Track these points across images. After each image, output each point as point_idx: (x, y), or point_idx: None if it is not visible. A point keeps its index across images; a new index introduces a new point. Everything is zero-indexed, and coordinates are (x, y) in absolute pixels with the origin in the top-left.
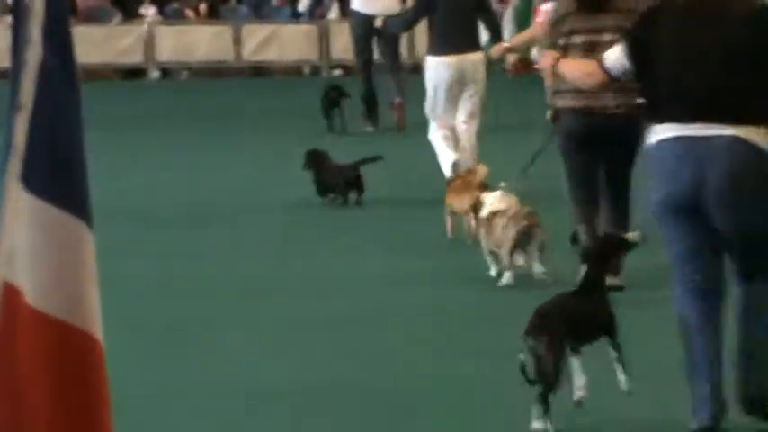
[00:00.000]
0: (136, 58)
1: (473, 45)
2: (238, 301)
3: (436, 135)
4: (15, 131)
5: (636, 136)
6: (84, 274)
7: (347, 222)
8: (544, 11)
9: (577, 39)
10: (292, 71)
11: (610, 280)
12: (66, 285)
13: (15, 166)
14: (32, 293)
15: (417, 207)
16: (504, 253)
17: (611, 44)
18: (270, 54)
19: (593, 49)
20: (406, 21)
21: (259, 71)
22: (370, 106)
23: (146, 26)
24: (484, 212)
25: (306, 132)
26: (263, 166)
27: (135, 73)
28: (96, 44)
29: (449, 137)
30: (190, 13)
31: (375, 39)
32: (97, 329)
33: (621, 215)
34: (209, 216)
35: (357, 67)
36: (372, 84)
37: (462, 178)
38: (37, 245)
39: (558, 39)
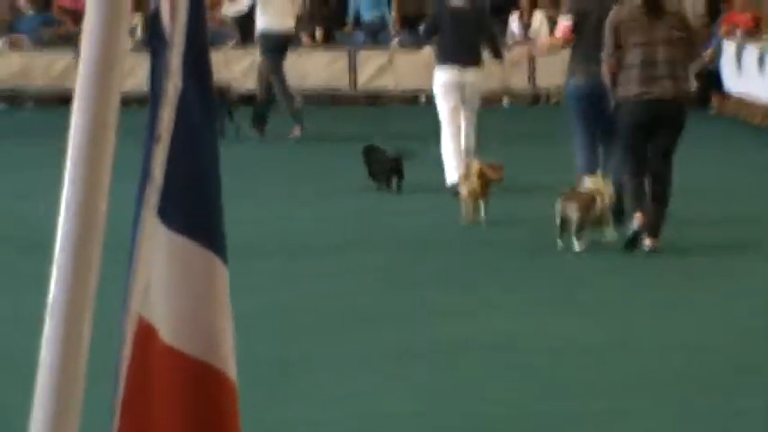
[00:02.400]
0: (249, 83)
1: (474, 60)
2: (342, 332)
3: (447, 146)
4: (153, 162)
5: (683, 121)
6: (219, 310)
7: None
8: (564, 25)
9: (637, 38)
10: (408, 100)
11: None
12: (200, 322)
13: (152, 197)
14: (166, 330)
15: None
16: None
17: (664, 41)
18: (386, 82)
19: (651, 45)
20: (423, 35)
21: (374, 99)
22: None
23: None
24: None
25: (415, 161)
26: (368, 196)
27: (250, 98)
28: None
29: (456, 135)
30: (305, 38)
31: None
32: (231, 367)
33: (665, 188)
34: (315, 246)
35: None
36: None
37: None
38: (172, 279)
39: (619, 39)
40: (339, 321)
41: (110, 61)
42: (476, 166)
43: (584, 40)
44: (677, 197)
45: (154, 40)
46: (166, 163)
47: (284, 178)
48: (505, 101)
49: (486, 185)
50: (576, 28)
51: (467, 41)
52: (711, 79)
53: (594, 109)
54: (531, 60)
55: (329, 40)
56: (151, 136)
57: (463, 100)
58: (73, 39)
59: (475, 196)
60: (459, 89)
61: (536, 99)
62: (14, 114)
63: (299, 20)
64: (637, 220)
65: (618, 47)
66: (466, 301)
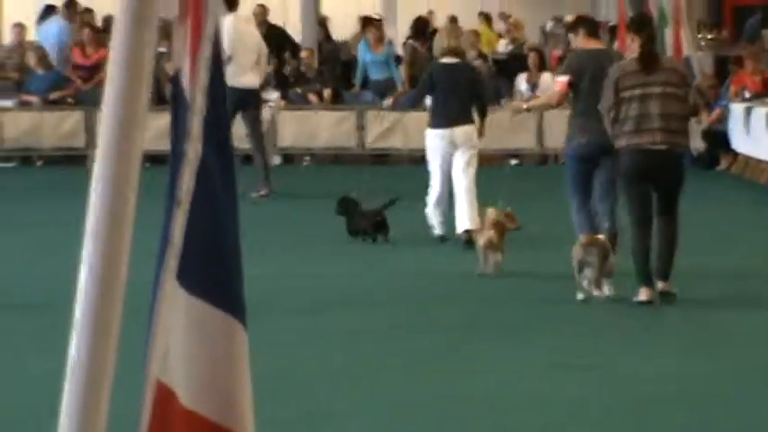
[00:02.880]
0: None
1: (466, 119)
2: (359, 388)
3: (431, 208)
4: (173, 226)
5: (681, 172)
6: (238, 373)
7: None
8: (561, 82)
9: (633, 92)
10: (416, 160)
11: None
12: (219, 386)
13: (172, 261)
14: (185, 393)
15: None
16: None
17: (659, 95)
18: (394, 142)
19: (645, 99)
20: (412, 98)
21: (382, 159)
22: None
23: (268, 111)
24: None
25: (418, 221)
26: (375, 251)
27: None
28: None
29: (442, 199)
30: (313, 98)
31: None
32: (250, 430)
33: (672, 235)
34: (330, 303)
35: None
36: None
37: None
38: (191, 343)
39: (618, 93)
40: (356, 377)
41: (132, 119)
42: (492, 215)
43: (582, 99)
44: (683, 251)
45: (174, 102)
46: (186, 227)
47: (293, 236)
48: (512, 161)
49: (502, 235)
50: (574, 87)
51: (460, 103)
52: (719, 139)
53: (592, 169)
54: (540, 121)
55: (337, 100)
56: (171, 199)
57: (455, 155)
58: (83, 98)
59: (492, 246)
60: (452, 148)
61: (544, 159)
62: (24, 173)
63: (265, 79)
64: (643, 294)
65: (616, 99)
66: (480, 356)
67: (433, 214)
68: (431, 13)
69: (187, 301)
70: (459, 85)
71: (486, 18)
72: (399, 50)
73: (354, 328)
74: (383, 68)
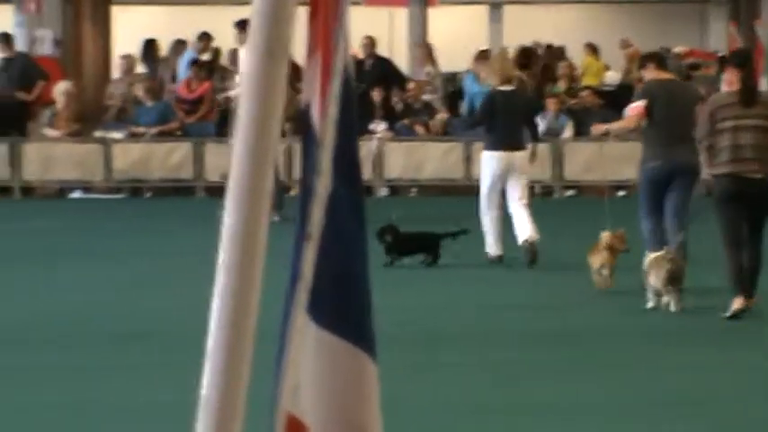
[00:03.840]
0: (364, 174)
1: (519, 144)
2: (465, 425)
3: (486, 217)
4: (303, 261)
5: None
6: (368, 407)
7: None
8: (638, 107)
9: (729, 123)
10: None
11: (745, 303)
12: (350, 419)
13: (302, 295)
14: (317, 427)
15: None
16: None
17: (753, 128)
18: None
19: (740, 130)
20: (471, 122)
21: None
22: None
23: (375, 142)
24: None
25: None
26: (468, 283)
27: (366, 190)
28: None
29: (496, 218)
30: (420, 129)
31: None
32: None
33: (758, 255)
34: (433, 336)
35: None
36: None
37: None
38: (321, 377)
39: (714, 123)
40: (461, 414)
41: (263, 151)
42: (605, 239)
43: (655, 125)
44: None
45: (304, 136)
46: (316, 261)
47: (397, 268)
48: (619, 192)
49: (614, 256)
50: (648, 112)
51: (516, 128)
52: None
53: (664, 190)
54: None
55: (445, 131)
56: (301, 234)
57: (512, 173)
58: (191, 130)
59: (606, 267)
60: (507, 172)
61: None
62: (134, 204)
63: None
64: (737, 303)
65: (712, 130)
66: (588, 393)
67: (489, 237)
68: (536, 44)
69: (317, 335)
70: (516, 111)
71: (593, 49)
72: None
73: (452, 363)
74: None
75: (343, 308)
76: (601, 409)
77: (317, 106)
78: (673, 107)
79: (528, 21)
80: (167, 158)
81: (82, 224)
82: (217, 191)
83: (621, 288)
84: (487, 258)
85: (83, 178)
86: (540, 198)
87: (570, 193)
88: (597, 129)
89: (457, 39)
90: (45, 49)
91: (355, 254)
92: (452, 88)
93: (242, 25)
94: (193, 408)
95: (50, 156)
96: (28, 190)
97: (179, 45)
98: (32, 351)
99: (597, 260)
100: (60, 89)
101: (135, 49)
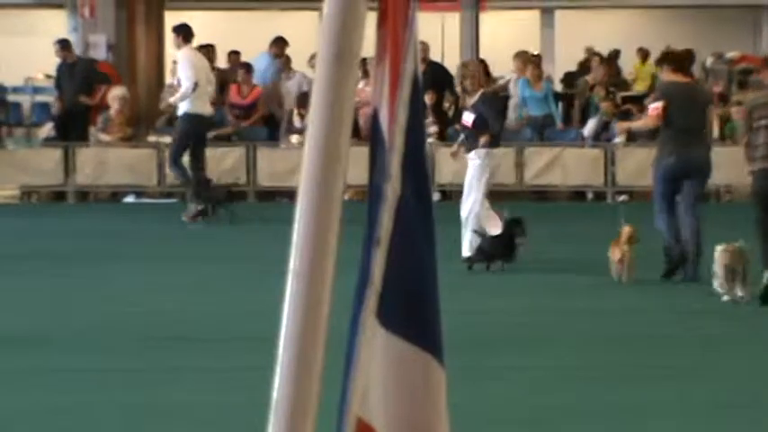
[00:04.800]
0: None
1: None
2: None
3: (484, 209)
4: (372, 265)
5: None
6: (437, 411)
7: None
8: (656, 107)
9: (764, 122)
10: (576, 196)
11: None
12: (418, 423)
13: (372, 300)
14: (385, 431)
15: None
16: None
17: None
18: (553, 178)
19: None
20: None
21: (541, 195)
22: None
23: (426, 146)
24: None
25: (584, 260)
26: (547, 294)
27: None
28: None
29: (490, 207)
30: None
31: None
32: None
33: None
34: (500, 342)
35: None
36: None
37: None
38: (390, 381)
39: (751, 121)
40: (534, 418)
41: (334, 155)
42: (626, 232)
43: (670, 125)
44: None
45: (372, 140)
46: (385, 266)
47: (461, 275)
48: (622, 197)
49: (632, 249)
50: (664, 113)
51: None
52: None
53: (677, 187)
54: None
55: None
56: (370, 239)
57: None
58: (244, 134)
59: (626, 258)
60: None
61: (705, 196)
62: (186, 208)
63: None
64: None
65: (749, 128)
66: (641, 398)
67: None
68: (589, 49)
69: (386, 339)
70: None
71: (645, 54)
72: (558, 87)
73: (518, 367)
74: (542, 105)
75: (413, 312)
76: (672, 412)
77: (385, 111)
78: (687, 108)
79: (580, 26)
80: (220, 163)
81: (135, 228)
82: (267, 195)
83: (684, 292)
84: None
85: (136, 183)
86: (592, 202)
87: (623, 198)
88: (621, 126)
89: (508, 44)
90: (99, 53)
91: (424, 258)
92: (504, 93)
93: (179, 30)
94: (264, 410)
95: (104, 160)
96: (82, 194)
97: (233, 56)
98: (94, 354)
99: (617, 253)
100: (114, 94)
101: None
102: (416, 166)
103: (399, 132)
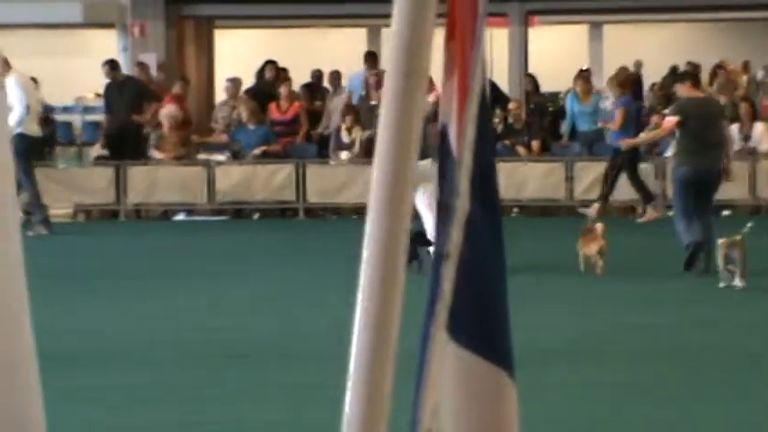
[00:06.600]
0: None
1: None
2: None
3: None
4: (443, 280)
5: None
6: (508, 426)
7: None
8: (671, 120)
9: None
10: (625, 211)
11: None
12: None
13: (442, 315)
14: None
15: None
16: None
17: None
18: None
19: None
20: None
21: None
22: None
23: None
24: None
25: (636, 273)
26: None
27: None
28: None
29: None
30: (521, 150)
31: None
32: None
33: None
34: (549, 356)
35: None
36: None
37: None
38: (460, 395)
39: None
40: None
41: (402, 171)
42: (600, 228)
43: (688, 135)
44: None
45: (441, 157)
46: (455, 280)
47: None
48: (724, 212)
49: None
50: (681, 125)
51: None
52: None
53: (695, 191)
54: (752, 171)
55: (545, 152)
56: (440, 253)
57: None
58: (293, 152)
59: (601, 253)
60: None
61: (756, 210)
62: (237, 226)
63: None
64: None
65: None
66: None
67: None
68: (638, 63)
69: (456, 353)
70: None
71: (694, 68)
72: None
73: (567, 383)
74: (591, 120)
75: (483, 327)
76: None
77: (454, 128)
78: (702, 121)
79: (628, 40)
80: (270, 180)
81: (187, 245)
82: (316, 212)
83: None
84: None
85: (186, 200)
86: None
87: (726, 212)
88: (627, 143)
89: (557, 59)
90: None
91: (494, 273)
92: (553, 108)
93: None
94: (336, 427)
95: (155, 178)
96: (133, 212)
97: (282, 72)
98: (153, 369)
99: (593, 247)
100: (165, 113)
101: (237, 72)
102: (485, 181)
103: (468, 148)
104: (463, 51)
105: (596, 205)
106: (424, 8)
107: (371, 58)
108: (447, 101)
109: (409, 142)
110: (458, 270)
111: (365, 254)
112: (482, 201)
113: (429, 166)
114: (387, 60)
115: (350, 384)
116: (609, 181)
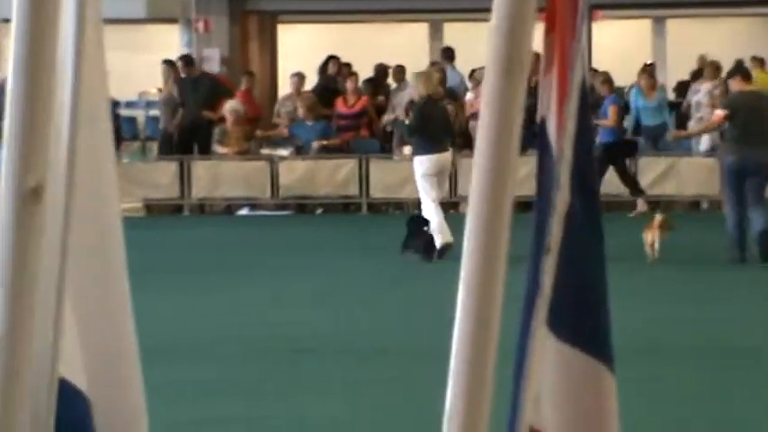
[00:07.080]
0: (524, 190)
1: (447, 146)
2: None
3: (430, 208)
4: (542, 274)
5: None
6: (608, 421)
7: None
8: (719, 114)
9: None
10: (690, 206)
11: None
12: (590, 430)
13: (542, 309)
14: None
15: None
16: None
17: None
18: (667, 188)
19: None
20: (410, 129)
21: (655, 205)
22: None
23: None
24: None
25: (703, 269)
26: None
27: (527, 204)
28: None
29: (438, 209)
30: None
31: None
32: None
33: None
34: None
35: None
36: None
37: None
38: (561, 388)
39: None
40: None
41: (503, 167)
42: (658, 219)
43: (736, 127)
44: None
45: (540, 150)
46: (555, 274)
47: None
48: None
49: (664, 234)
50: (730, 118)
51: (444, 132)
52: None
53: (743, 180)
54: None
55: None
56: (539, 247)
57: (443, 174)
58: (356, 146)
59: (655, 242)
60: (440, 173)
61: None
62: (300, 220)
63: None
64: None
65: None
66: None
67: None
68: (702, 58)
69: (556, 347)
70: (439, 120)
71: (760, 62)
72: (670, 96)
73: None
74: (655, 114)
75: (583, 321)
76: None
77: (553, 122)
78: (750, 114)
79: (692, 34)
80: (333, 175)
81: (251, 240)
82: (378, 207)
83: None
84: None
85: (250, 195)
86: (707, 213)
87: None
88: (675, 134)
89: (621, 53)
90: (212, 67)
91: (594, 267)
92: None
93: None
94: (396, 422)
95: (218, 173)
96: (197, 207)
97: (345, 67)
98: (218, 364)
99: (649, 236)
100: (228, 108)
101: (299, 67)
102: (585, 175)
103: (568, 142)
104: (563, 45)
105: (640, 201)
106: (524, 2)
107: (447, 53)
108: (546, 94)
109: (510, 138)
110: (558, 263)
111: (466, 248)
112: (581, 194)
113: (450, 158)
114: (487, 56)
115: (451, 379)
116: (625, 178)
